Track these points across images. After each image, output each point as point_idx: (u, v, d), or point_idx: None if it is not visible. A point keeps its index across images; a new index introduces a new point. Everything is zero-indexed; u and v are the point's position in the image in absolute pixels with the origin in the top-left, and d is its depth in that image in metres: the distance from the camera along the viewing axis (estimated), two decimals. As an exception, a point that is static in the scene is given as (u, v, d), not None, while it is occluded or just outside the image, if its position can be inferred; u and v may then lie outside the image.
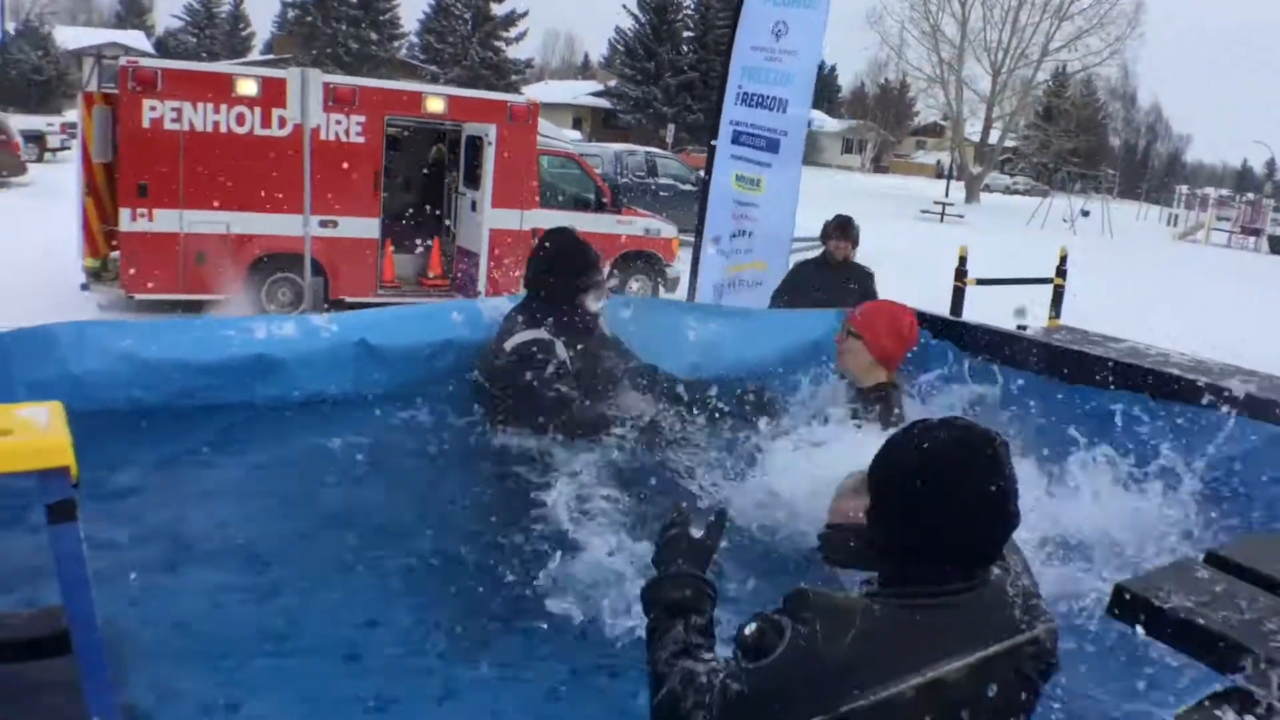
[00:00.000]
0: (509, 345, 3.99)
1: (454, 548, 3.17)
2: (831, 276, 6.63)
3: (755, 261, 8.08)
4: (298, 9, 61.10)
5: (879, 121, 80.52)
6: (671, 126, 44.91)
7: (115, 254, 11.71)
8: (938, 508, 1.88)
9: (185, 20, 75.66)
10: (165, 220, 11.40)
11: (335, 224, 12.26)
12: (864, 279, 6.70)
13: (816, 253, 7.02)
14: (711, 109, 8.44)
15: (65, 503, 1.50)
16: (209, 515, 3.23)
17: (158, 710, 2.23)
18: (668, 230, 15.45)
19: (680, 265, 13.62)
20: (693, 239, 8.40)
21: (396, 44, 60.18)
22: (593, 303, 4.18)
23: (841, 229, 6.76)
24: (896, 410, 3.77)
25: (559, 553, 2.92)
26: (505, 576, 2.95)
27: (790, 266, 7.42)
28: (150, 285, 11.44)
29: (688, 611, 2.08)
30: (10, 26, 59.32)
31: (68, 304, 10.70)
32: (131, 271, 11.36)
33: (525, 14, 58.25)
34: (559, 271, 4.13)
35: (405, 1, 61.35)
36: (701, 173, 9.40)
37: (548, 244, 4.22)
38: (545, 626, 2.72)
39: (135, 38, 63.00)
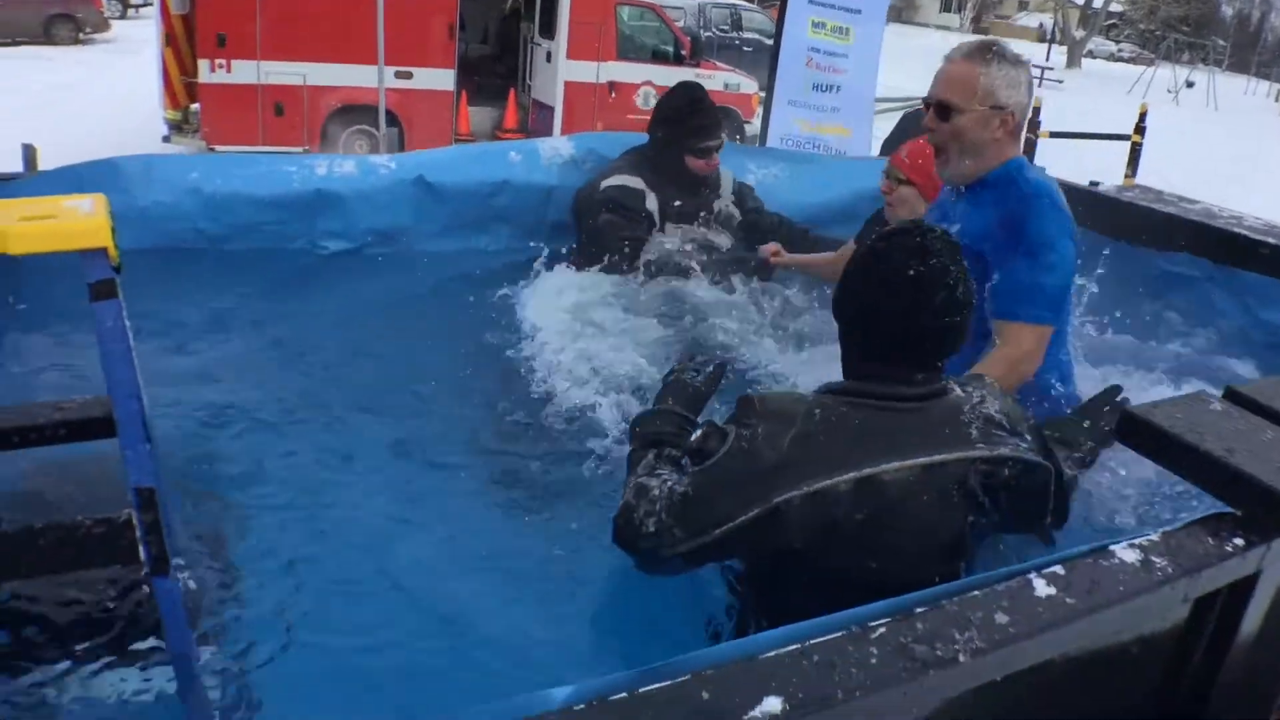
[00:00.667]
0: (601, 184, 4.09)
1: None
2: None
3: (839, 126, 7.88)
4: None
5: (980, -22, 77.14)
6: (756, -22, 43.45)
7: (195, 106, 11.87)
8: (863, 292, 1.98)
9: None
10: (243, 71, 11.48)
11: (410, 75, 12.25)
12: None
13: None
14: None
15: (106, 281, 1.62)
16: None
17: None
18: (747, 85, 15.12)
19: (759, 123, 13.39)
20: (762, 111, 8.23)
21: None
22: (696, 165, 4.17)
23: None
24: None
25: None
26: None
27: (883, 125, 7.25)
28: (230, 137, 11.61)
29: (663, 444, 2.18)
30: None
31: (151, 155, 10.90)
32: (211, 123, 11.53)
33: None
34: (668, 125, 4.16)
35: None
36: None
37: (668, 95, 4.27)
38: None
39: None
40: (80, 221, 1.60)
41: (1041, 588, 1.55)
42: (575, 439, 2.95)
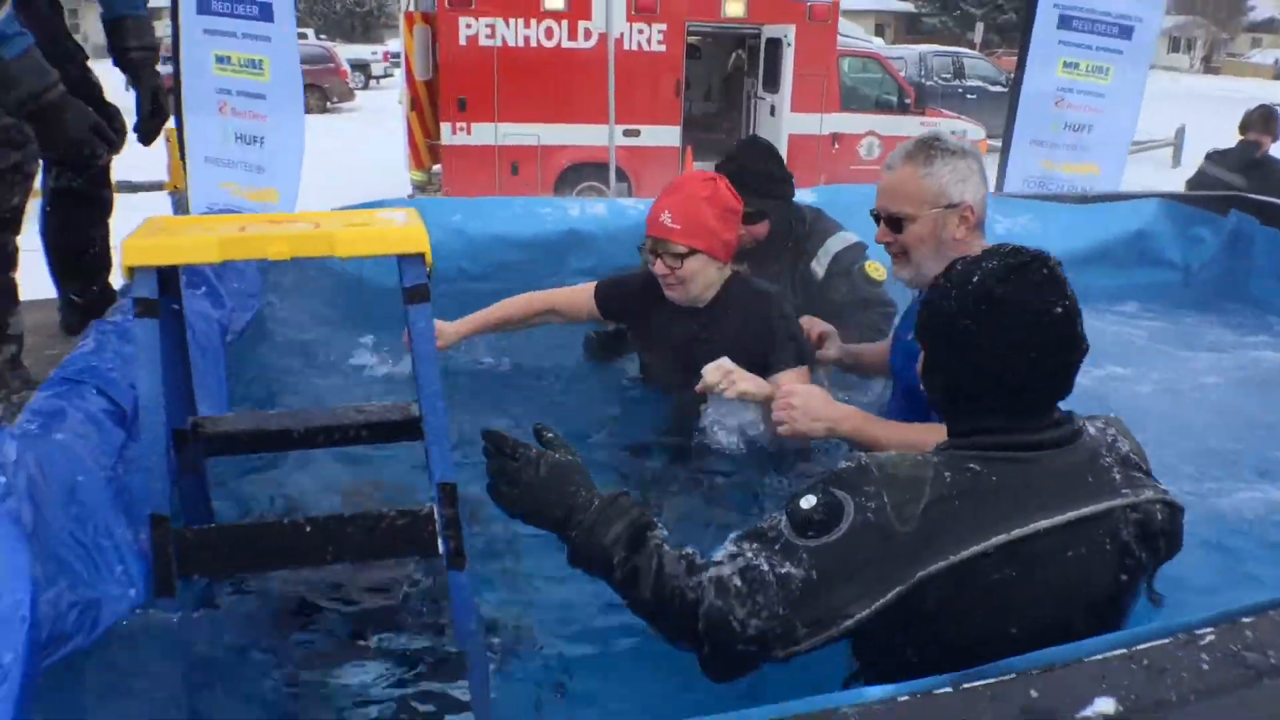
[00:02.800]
0: None
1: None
2: (1254, 173, 6.21)
3: (1087, 164, 7.69)
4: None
5: (1209, 16, 73.53)
6: (980, 26, 42.69)
7: (438, 167, 12.54)
8: (992, 339, 1.71)
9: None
10: (482, 133, 12.08)
11: (638, 133, 12.59)
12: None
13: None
14: (1024, 9, 8.06)
15: (420, 287, 1.72)
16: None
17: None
18: (974, 132, 14.85)
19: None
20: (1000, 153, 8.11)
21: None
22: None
23: (1265, 120, 6.32)
24: None
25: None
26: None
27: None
28: (470, 195, 12.17)
29: (645, 530, 1.77)
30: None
31: (398, 213, 11.64)
32: (453, 182, 12.15)
33: (825, -82, 56.88)
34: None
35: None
36: (1011, 74, 9.01)
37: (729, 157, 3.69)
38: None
39: (450, -31, 65.95)
40: (401, 229, 1.71)
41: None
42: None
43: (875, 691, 1.25)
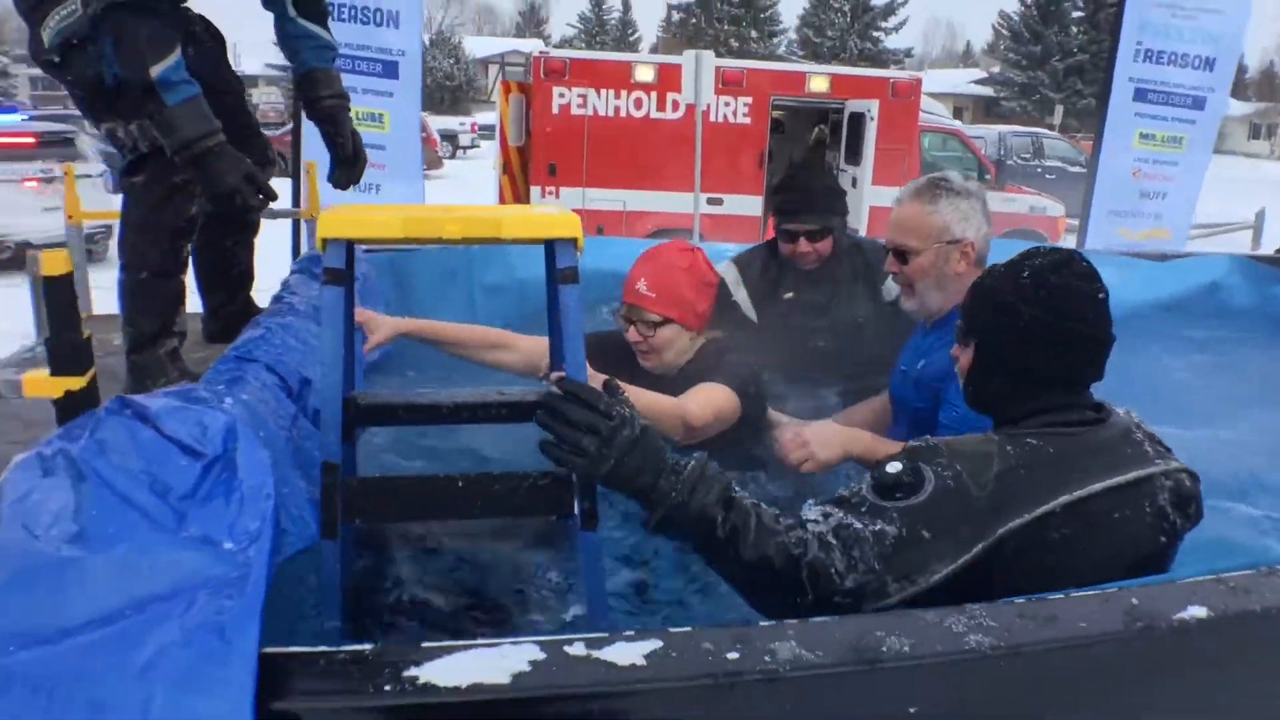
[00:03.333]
0: None
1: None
2: None
3: (1163, 230, 7.90)
4: (682, 11, 63.67)
5: (1292, 102, 72.79)
6: (1059, 109, 42.73)
7: (526, 228, 12.92)
8: (1049, 321, 1.95)
9: (578, 28, 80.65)
10: (570, 198, 12.47)
11: (721, 201, 12.90)
12: None
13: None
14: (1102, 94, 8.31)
15: (570, 269, 1.96)
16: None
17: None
18: (1053, 209, 14.98)
19: (1068, 244, 13.28)
20: (1079, 221, 8.32)
21: (776, 40, 61.29)
22: (784, 250, 3.64)
23: None
24: None
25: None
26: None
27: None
28: (555, 256, 12.54)
29: (734, 493, 1.83)
30: (425, 38, 65.70)
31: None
32: (542, 244, 12.51)
33: (905, 2, 57.52)
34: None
35: (786, -1, 62.48)
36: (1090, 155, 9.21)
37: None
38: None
39: (534, 45, 67.87)
40: (555, 216, 1.96)
41: None
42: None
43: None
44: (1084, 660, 1.37)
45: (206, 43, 3.29)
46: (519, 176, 12.99)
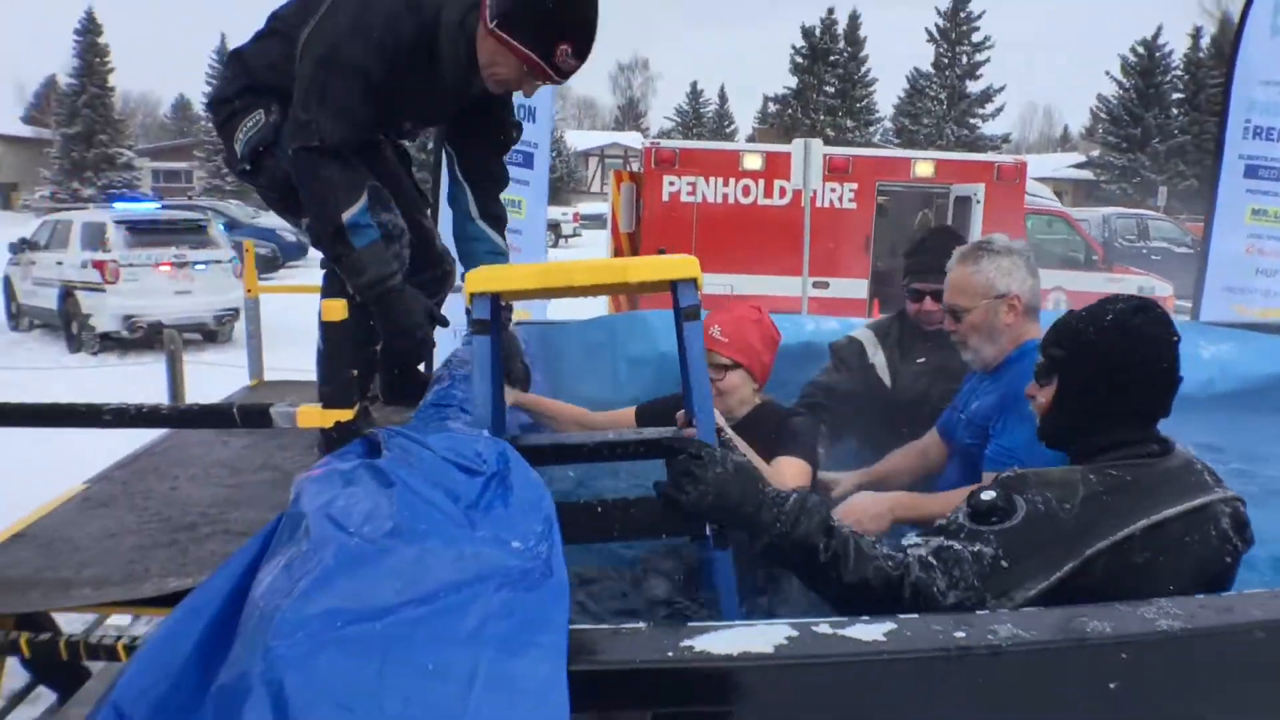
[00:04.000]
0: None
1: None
2: None
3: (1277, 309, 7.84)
4: (778, 103, 64.66)
5: None
6: (1162, 190, 42.22)
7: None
8: (1129, 360, 2.15)
9: (676, 121, 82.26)
10: (679, 282, 12.76)
11: (827, 285, 13.08)
12: None
13: None
14: (1206, 174, 8.39)
15: (693, 307, 2.16)
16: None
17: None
18: (1161, 289, 14.86)
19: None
20: (1188, 303, 8.33)
21: (872, 129, 61.73)
22: (911, 309, 3.81)
23: None
24: None
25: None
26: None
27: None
28: (666, 338, 12.82)
29: (831, 521, 1.98)
30: (532, 138, 67.57)
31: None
32: (652, 325, 12.80)
33: (1002, 89, 57.47)
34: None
35: (880, 87, 63.00)
36: (1196, 237, 9.26)
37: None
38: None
39: (633, 138, 69.42)
40: (677, 261, 2.17)
41: None
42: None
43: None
44: (1255, 645, 1.54)
45: (391, 159, 3.54)
46: (630, 261, 13.31)
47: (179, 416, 2.37)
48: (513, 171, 6.53)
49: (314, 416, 1.81)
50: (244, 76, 3.16)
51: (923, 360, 3.80)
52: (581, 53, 2.82)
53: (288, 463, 2.94)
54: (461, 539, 1.46)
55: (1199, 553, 2.03)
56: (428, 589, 1.37)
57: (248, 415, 1.84)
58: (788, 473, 2.96)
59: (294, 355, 4.68)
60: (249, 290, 4.38)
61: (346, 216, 2.83)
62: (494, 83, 2.96)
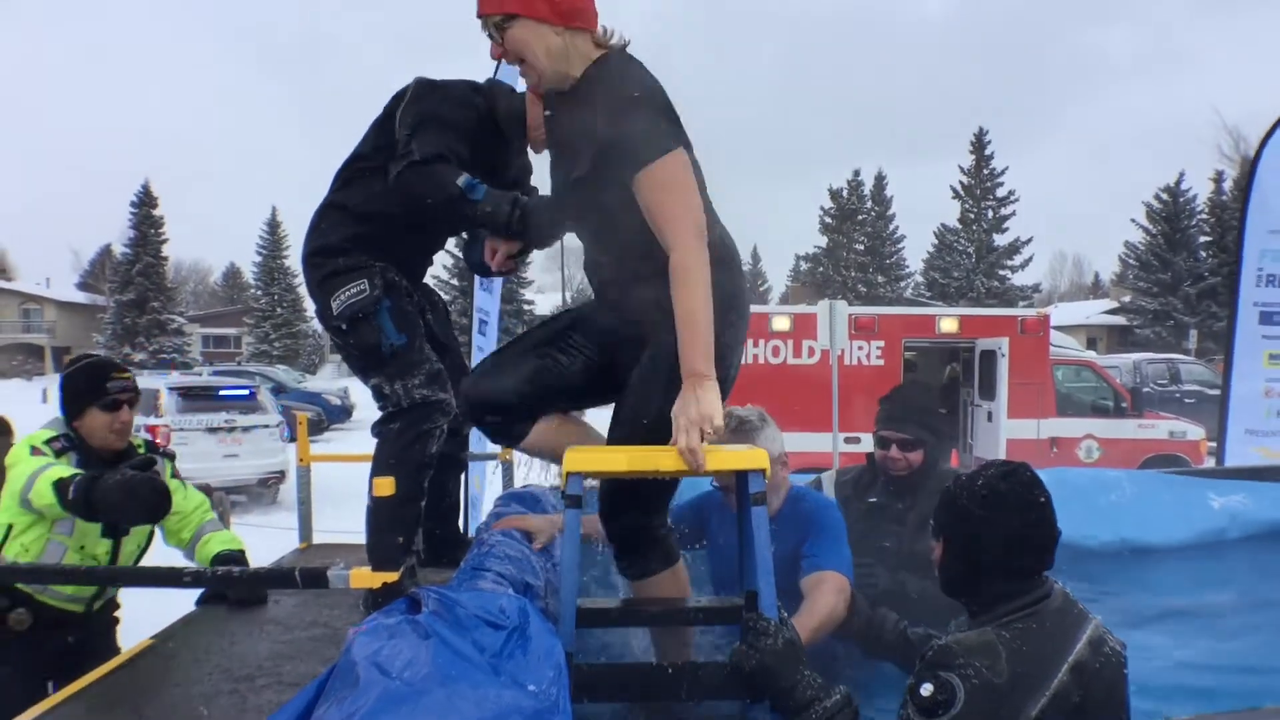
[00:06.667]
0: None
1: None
2: None
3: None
4: (810, 261, 65.95)
5: None
6: (1193, 333, 42.29)
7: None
8: (997, 524, 2.39)
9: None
10: (713, 440, 13.03)
11: (858, 440, 13.30)
12: None
13: None
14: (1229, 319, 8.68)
15: (760, 493, 2.43)
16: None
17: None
18: (1194, 432, 14.96)
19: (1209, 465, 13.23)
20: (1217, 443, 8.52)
21: (903, 284, 62.62)
22: (878, 456, 4.03)
23: None
24: None
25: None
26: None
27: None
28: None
29: None
30: (567, 295, 69.05)
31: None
32: (686, 485, 13.03)
33: (1029, 240, 58.22)
34: None
35: (909, 242, 64.20)
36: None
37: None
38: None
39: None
40: (748, 453, 2.46)
41: None
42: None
43: None
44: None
45: (440, 305, 3.92)
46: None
47: (250, 579, 2.67)
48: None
49: (365, 578, 2.08)
50: (348, 221, 3.48)
51: (873, 500, 3.99)
52: None
53: (335, 620, 3.19)
54: (486, 683, 1.73)
55: (1108, 675, 2.30)
56: (458, 724, 1.64)
57: (308, 578, 2.12)
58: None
59: (337, 517, 4.97)
60: (301, 459, 4.69)
61: (461, 180, 3.17)
62: (539, 142, 3.46)
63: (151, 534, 3.88)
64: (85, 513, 3.26)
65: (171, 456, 4.11)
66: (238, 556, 3.80)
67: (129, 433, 3.81)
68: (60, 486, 3.25)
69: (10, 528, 3.54)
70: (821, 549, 3.35)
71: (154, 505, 3.23)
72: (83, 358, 3.95)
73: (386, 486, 2.09)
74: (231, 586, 3.12)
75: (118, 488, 3.24)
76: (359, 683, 1.74)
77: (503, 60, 2.75)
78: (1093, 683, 2.26)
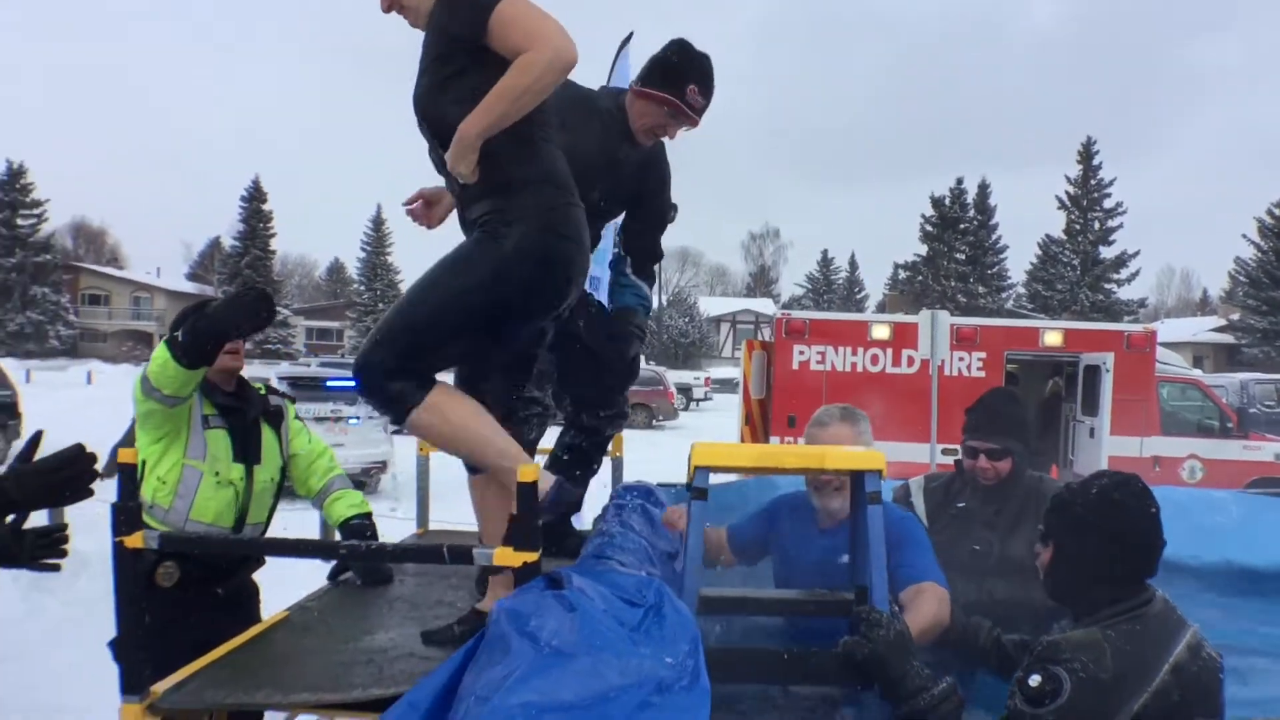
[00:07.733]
0: None
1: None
2: None
3: None
4: (909, 269, 65.25)
5: None
6: (1306, 354, 40.97)
7: (768, 477, 13.60)
8: (1113, 530, 2.54)
9: (806, 287, 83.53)
10: (808, 447, 13.11)
11: (956, 451, 13.21)
12: None
13: None
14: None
15: (875, 492, 2.57)
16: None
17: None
18: (1302, 455, 14.59)
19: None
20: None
21: (1004, 295, 61.64)
22: (967, 465, 3.95)
23: None
24: None
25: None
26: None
27: None
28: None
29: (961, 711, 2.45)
30: (663, 298, 69.47)
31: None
32: (781, 490, 13.14)
33: (1136, 254, 56.95)
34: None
35: (1011, 253, 63.08)
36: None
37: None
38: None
39: (764, 304, 70.67)
40: (865, 454, 2.60)
41: None
42: None
43: None
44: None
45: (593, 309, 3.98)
46: (759, 426, 13.78)
47: (400, 553, 2.88)
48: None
49: (508, 556, 2.25)
50: None
51: (961, 505, 3.98)
52: (706, 92, 3.59)
53: (460, 600, 3.37)
54: (628, 653, 1.89)
55: (1206, 680, 2.43)
56: (602, 688, 1.80)
57: (455, 554, 2.30)
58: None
59: (438, 509, 5.17)
60: (422, 449, 4.91)
61: None
62: (644, 133, 3.66)
63: (283, 470, 4.03)
64: (195, 348, 3.37)
65: (292, 400, 4.30)
66: (368, 523, 3.99)
67: (240, 366, 3.92)
68: (169, 341, 3.40)
69: (144, 464, 3.64)
70: (913, 559, 3.32)
71: (257, 310, 3.37)
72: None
73: (531, 473, 2.26)
74: (381, 559, 3.31)
75: (221, 304, 3.41)
76: (510, 650, 1.91)
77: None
78: (1192, 684, 2.39)
